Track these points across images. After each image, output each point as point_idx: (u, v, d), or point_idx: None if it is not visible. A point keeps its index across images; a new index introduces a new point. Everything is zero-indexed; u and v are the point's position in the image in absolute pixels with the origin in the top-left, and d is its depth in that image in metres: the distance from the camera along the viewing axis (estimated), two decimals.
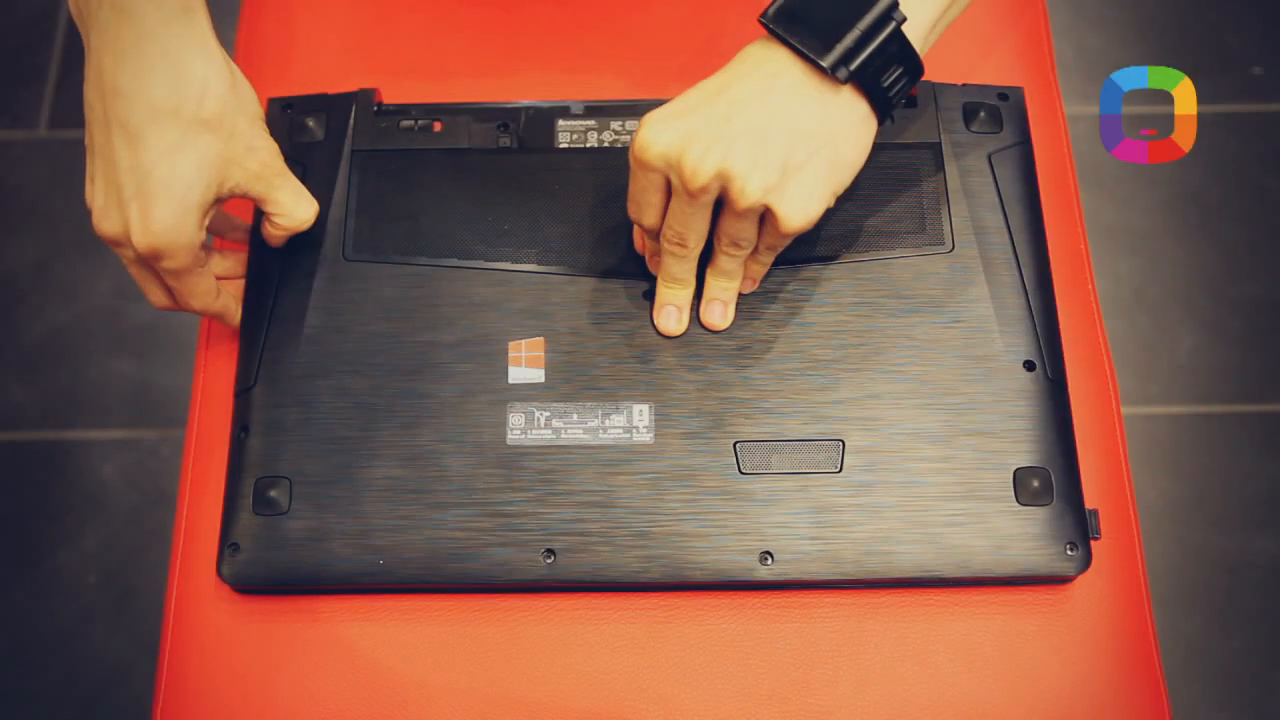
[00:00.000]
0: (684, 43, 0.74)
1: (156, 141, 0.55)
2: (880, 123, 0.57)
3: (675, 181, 0.55)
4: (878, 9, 0.54)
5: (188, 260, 0.58)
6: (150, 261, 0.58)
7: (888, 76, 0.56)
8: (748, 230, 0.57)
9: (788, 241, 0.58)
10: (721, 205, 0.57)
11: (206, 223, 0.58)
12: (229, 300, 0.63)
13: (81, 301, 1.26)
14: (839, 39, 0.54)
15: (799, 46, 0.54)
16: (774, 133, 0.54)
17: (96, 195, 0.57)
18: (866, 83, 0.55)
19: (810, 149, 0.55)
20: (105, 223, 0.57)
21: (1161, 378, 1.22)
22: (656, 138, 0.54)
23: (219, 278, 0.63)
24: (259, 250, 0.65)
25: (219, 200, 0.58)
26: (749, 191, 0.54)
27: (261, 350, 0.62)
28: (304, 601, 0.61)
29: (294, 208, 0.61)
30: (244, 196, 0.60)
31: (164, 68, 0.55)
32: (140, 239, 0.56)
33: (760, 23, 0.55)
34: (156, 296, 0.61)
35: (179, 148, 0.55)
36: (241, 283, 0.65)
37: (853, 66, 0.54)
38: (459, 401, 0.61)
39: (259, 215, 0.63)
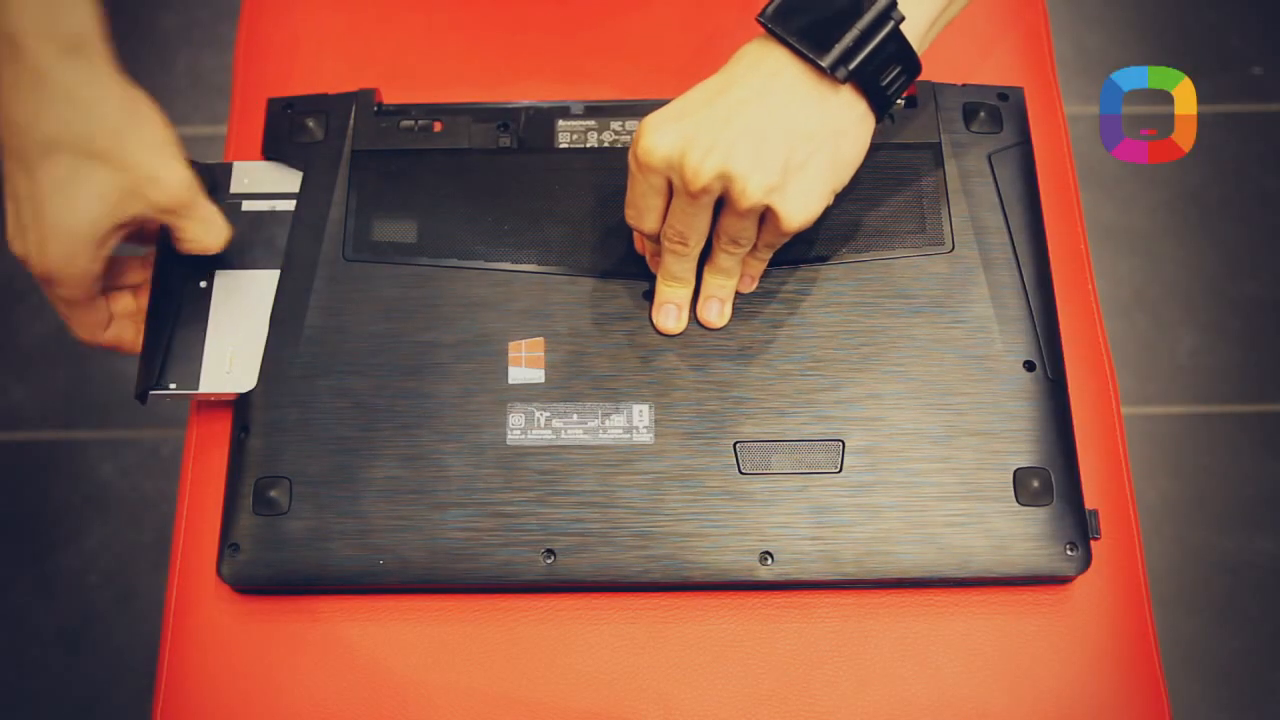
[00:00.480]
0: (683, 42, 0.74)
1: (47, 174, 0.55)
2: (878, 121, 0.57)
3: (677, 182, 0.55)
4: (876, 8, 0.54)
5: (79, 292, 0.59)
6: (46, 286, 0.58)
7: (886, 75, 0.56)
8: (748, 229, 0.57)
9: (786, 239, 0.58)
10: (722, 204, 0.57)
11: (106, 252, 0.59)
12: (122, 332, 0.63)
13: None
14: (838, 39, 0.54)
15: (798, 46, 0.54)
16: (774, 133, 0.54)
17: (8, 215, 0.58)
18: (865, 82, 0.55)
19: (810, 148, 0.55)
20: (13, 243, 0.58)
21: (1161, 378, 1.22)
22: (658, 141, 0.54)
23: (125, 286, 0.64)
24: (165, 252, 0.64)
25: (121, 228, 0.58)
26: (751, 192, 0.54)
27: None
28: (304, 601, 0.61)
29: (202, 236, 0.61)
30: (153, 222, 0.60)
31: (55, 102, 0.55)
32: (36, 265, 0.57)
33: (758, 22, 0.55)
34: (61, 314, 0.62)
35: (71, 181, 0.56)
36: (141, 314, 0.64)
37: (851, 66, 0.54)
38: (459, 401, 0.61)
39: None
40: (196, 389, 0.62)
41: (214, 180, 0.66)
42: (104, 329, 0.63)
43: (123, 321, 0.63)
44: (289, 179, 0.66)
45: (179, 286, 0.64)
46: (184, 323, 0.63)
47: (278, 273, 0.64)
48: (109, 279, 0.62)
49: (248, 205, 0.66)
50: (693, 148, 0.54)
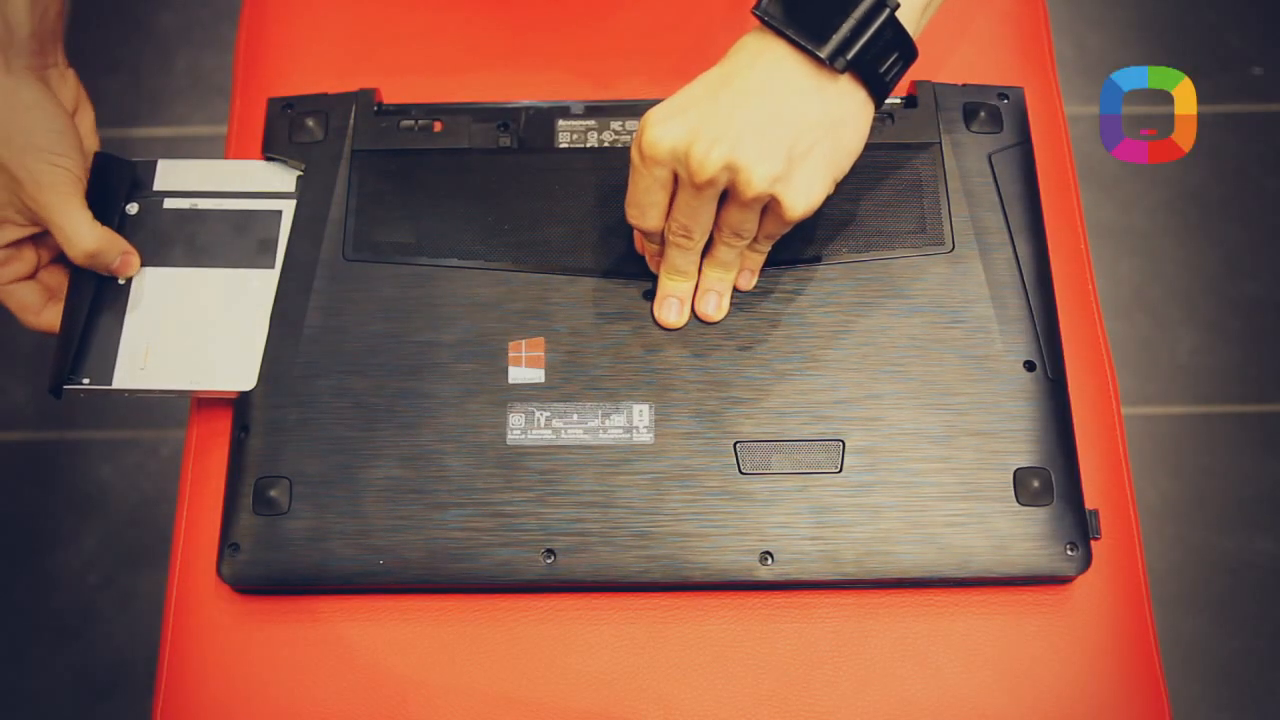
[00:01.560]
0: (683, 41, 0.74)
1: None
2: (877, 107, 0.57)
3: (683, 175, 0.55)
4: None
5: None
6: None
7: (884, 63, 0.56)
8: (750, 220, 0.58)
9: (787, 230, 0.59)
10: (725, 196, 0.57)
11: None
12: (55, 318, 0.64)
13: None
14: (835, 29, 0.54)
15: (796, 38, 0.54)
16: (777, 124, 0.54)
17: None
18: (864, 70, 0.55)
19: (813, 138, 0.55)
20: None
21: (1161, 378, 1.22)
22: (663, 134, 0.55)
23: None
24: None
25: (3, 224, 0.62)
26: (756, 182, 0.54)
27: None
28: (304, 601, 0.61)
29: (71, 238, 0.62)
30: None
31: None
32: None
33: (754, 14, 0.55)
34: None
35: None
36: None
37: (850, 56, 0.54)
38: (459, 401, 0.61)
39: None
40: (110, 384, 0.62)
41: (135, 178, 0.67)
42: (36, 314, 0.64)
43: (56, 307, 0.65)
44: (213, 178, 0.67)
45: (97, 282, 0.64)
46: (101, 319, 0.64)
47: (196, 270, 0.65)
48: (12, 268, 0.64)
49: (170, 203, 0.66)
50: (698, 139, 0.54)
